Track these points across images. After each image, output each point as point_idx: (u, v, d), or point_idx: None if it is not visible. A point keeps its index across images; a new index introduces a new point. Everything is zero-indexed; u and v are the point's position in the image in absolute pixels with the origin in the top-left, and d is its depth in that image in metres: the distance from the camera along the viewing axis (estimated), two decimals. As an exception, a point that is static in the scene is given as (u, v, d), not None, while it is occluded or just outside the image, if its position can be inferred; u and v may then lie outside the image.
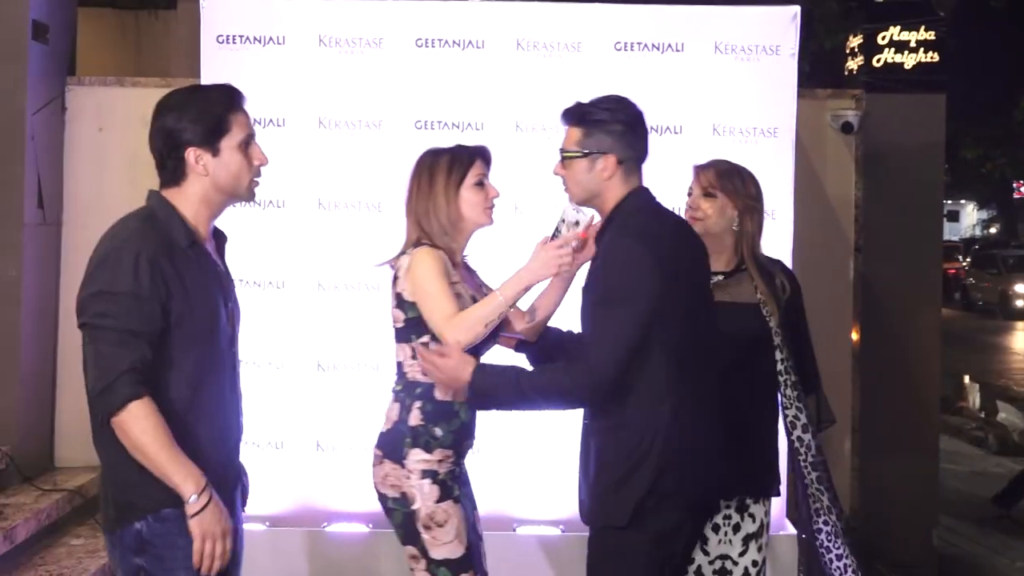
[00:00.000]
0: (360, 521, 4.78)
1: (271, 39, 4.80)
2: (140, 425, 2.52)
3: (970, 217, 48.65)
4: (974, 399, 10.63)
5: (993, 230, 41.81)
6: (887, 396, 5.78)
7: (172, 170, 2.71)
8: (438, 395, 3.21)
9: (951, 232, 42.42)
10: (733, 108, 4.78)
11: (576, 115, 3.08)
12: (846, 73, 6.27)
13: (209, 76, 4.78)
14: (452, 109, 4.79)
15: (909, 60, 5.82)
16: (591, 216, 3.12)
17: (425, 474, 3.16)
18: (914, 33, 5.83)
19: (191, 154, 2.68)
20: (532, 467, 4.77)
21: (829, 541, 3.42)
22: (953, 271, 27.26)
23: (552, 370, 3.09)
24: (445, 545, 3.15)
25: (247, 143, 2.79)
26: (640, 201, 3.07)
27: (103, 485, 2.75)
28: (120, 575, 2.70)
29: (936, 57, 5.84)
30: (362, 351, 4.77)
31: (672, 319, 2.85)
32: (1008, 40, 21.62)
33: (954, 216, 46.77)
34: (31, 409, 5.35)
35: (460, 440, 3.24)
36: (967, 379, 10.89)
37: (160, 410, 2.54)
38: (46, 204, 5.36)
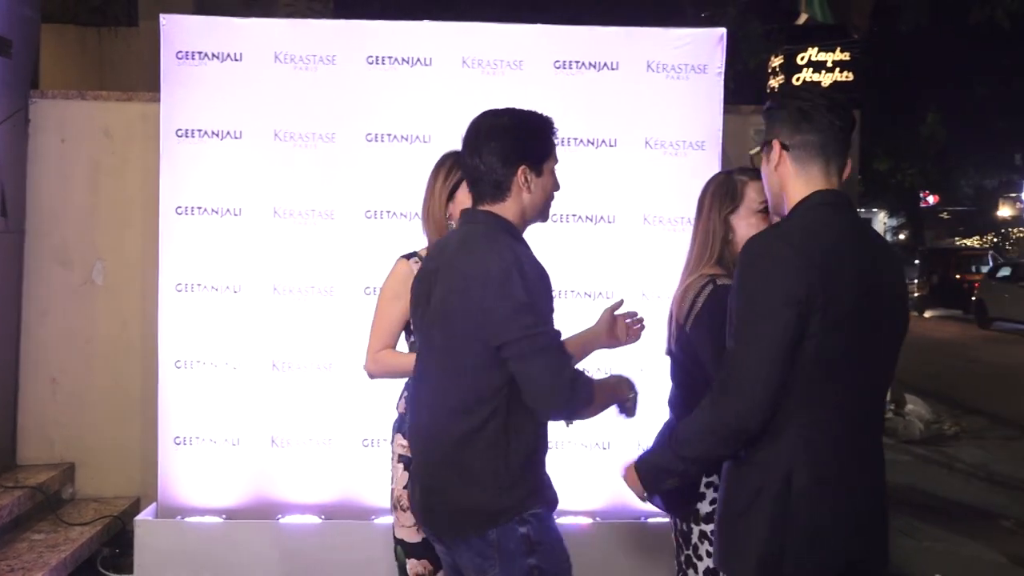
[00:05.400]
0: (313, 512, 4.74)
1: (228, 55, 4.73)
2: (593, 407, 2.64)
3: (882, 224, 49.46)
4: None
5: (902, 236, 42.55)
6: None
7: (495, 186, 2.67)
8: None
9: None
10: (664, 122, 4.81)
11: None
12: (768, 91, 6.32)
13: (169, 91, 4.73)
14: (401, 123, 4.77)
15: (826, 79, 5.90)
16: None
17: (400, 458, 3.27)
18: (830, 54, 5.91)
19: (521, 173, 2.66)
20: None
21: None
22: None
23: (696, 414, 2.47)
24: (405, 528, 3.25)
25: (553, 169, 2.78)
26: (820, 199, 2.43)
27: (448, 493, 2.64)
28: None
29: (851, 76, 5.92)
30: (315, 351, 4.74)
31: (819, 331, 2.29)
32: (915, 61, 22.07)
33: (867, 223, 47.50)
34: (-5, 409, 5.22)
35: None
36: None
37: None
38: (10, 212, 5.23)
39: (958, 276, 25.54)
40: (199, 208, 4.73)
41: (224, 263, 4.73)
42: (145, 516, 4.79)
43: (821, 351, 2.29)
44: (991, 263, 25.41)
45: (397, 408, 3.42)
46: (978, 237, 37.19)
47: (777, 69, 6.10)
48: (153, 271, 4.81)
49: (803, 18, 6.15)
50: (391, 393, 4.78)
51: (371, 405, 4.71)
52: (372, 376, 3.33)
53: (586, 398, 2.57)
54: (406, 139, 4.76)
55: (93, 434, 5.44)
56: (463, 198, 3.25)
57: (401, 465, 3.28)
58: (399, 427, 3.35)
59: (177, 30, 4.76)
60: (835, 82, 5.85)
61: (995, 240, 35.66)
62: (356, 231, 4.73)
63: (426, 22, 4.84)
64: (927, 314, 25.10)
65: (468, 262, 2.58)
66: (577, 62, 4.80)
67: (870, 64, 11.05)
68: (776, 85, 6.09)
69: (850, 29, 6.20)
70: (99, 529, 5.00)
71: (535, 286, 2.53)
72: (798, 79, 5.87)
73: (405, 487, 3.20)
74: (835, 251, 2.34)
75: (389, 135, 4.77)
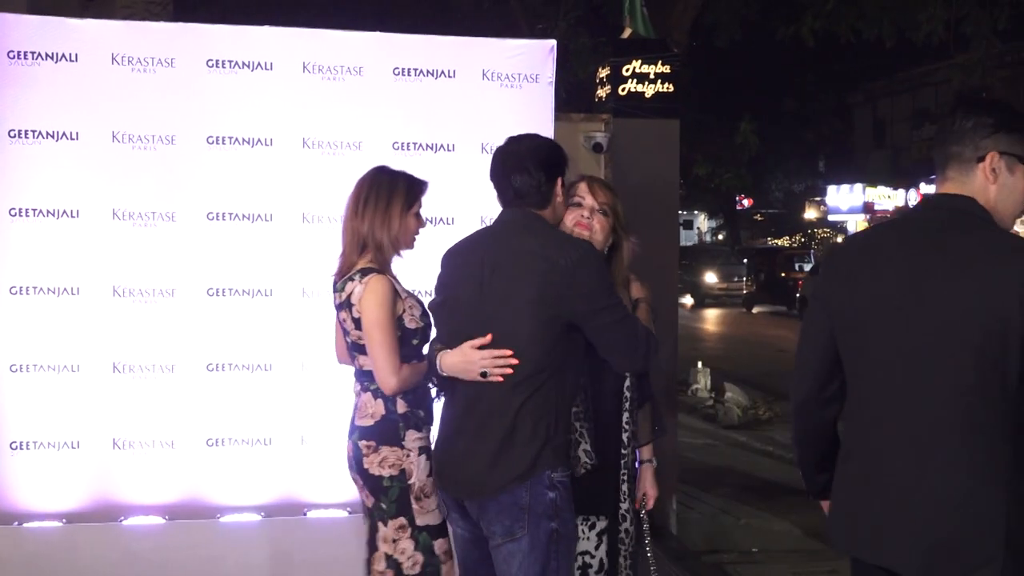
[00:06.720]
0: (156, 513, 4.60)
1: (64, 56, 4.53)
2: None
3: (702, 225, 51.32)
4: (706, 381, 11.21)
5: (720, 236, 44.24)
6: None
7: (543, 198, 3.02)
8: None
9: (686, 238, 44.62)
10: (499, 128, 4.81)
11: None
12: (596, 100, 6.47)
13: (1, 91, 4.49)
14: (243, 126, 4.67)
15: (649, 90, 6.08)
16: None
17: (422, 450, 3.27)
18: (653, 67, 6.10)
19: (559, 184, 3.06)
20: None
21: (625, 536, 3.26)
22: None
23: None
24: (430, 513, 3.27)
25: None
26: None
27: (498, 454, 2.90)
28: (528, 539, 2.87)
29: (671, 88, 6.12)
30: (157, 353, 4.59)
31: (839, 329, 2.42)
32: (730, 75, 23.09)
33: (689, 225, 49.21)
34: None
35: (433, 417, 3.35)
36: (700, 364, 11.48)
37: None
38: None
39: (783, 274, 26.16)
40: (34, 210, 4.51)
41: (62, 265, 4.53)
42: (-21, 524, 4.55)
43: (844, 347, 2.42)
44: (813, 261, 26.27)
45: (393, 410, 3.27)
46: (787, 237, 38.95)
47: (604, 80, 6.26)
48: (-15, 274, 4.55)
49: (627, 32, 6.32)
50: (236, 394, 4.71)
51: (214, 406, 4.62)
52: (395, 393, 3.23)
53: (655, 348, 3.02)
54: (248, 142, 4.67)
55: (-78, 442, 5.11)
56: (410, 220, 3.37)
57: (423, 456, 3.26)
58: (408, 424, 3.25)
59: (8, 29, 4.52)
60: (657, 92, 6.05)
61: (802, 240, 37.41)
62: (198, 233, 4.61)
63: (267, 27, 4.76)
64: (755, 310, 26.11)
65: (547, 248, 2.89)
66: (416, 69, 4.81)
67: (689, 76, 11.46)
68: (603, 95, 6.25)
69: (670, 44, 6.42)
70: (-71, 539, 4.70)
71: (602, 271, 2.98)
72: (623, 90, 6.04)
73: (429, 475, 3.25)
74: (866, 257, 2.40)
75: (231, 138, 4.66)
